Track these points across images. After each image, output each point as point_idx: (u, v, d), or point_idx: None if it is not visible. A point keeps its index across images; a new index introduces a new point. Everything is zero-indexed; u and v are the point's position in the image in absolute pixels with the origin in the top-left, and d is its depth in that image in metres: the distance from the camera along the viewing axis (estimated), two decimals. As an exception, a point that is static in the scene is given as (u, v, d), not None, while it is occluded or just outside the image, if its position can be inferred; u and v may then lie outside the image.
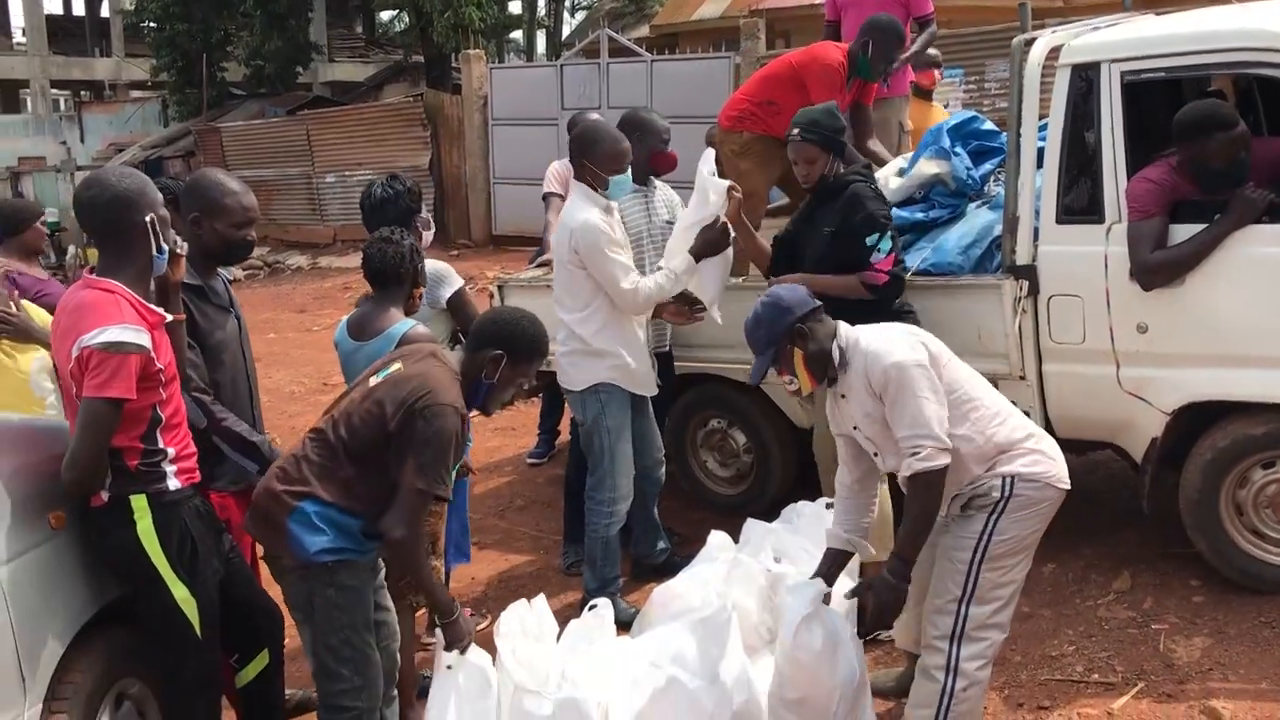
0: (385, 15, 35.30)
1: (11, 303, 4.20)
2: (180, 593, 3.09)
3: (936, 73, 6.95)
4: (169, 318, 3.12)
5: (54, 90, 32.38)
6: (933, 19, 5.98)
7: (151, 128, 25.83)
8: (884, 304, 4.11)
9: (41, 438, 3.13)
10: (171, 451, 3.10)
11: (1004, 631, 3.17)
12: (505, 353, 3.19)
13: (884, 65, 5.15)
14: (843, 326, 3.26)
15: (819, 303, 3.29)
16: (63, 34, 32.41)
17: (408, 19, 27.54)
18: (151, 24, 24.17)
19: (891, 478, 3.96)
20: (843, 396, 3.24)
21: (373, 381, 3.18)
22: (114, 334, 2.89)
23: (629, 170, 4.40)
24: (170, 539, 3.06)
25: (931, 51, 6.79)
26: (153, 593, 3.08)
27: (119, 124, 26.92)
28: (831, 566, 3.44)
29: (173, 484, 3.09)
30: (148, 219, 3.01)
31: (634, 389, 4.54)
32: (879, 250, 4.11)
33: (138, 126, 26.29)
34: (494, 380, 3.20)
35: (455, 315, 4.29)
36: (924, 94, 6.90)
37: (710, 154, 4.57)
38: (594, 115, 6.02)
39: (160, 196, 3.11)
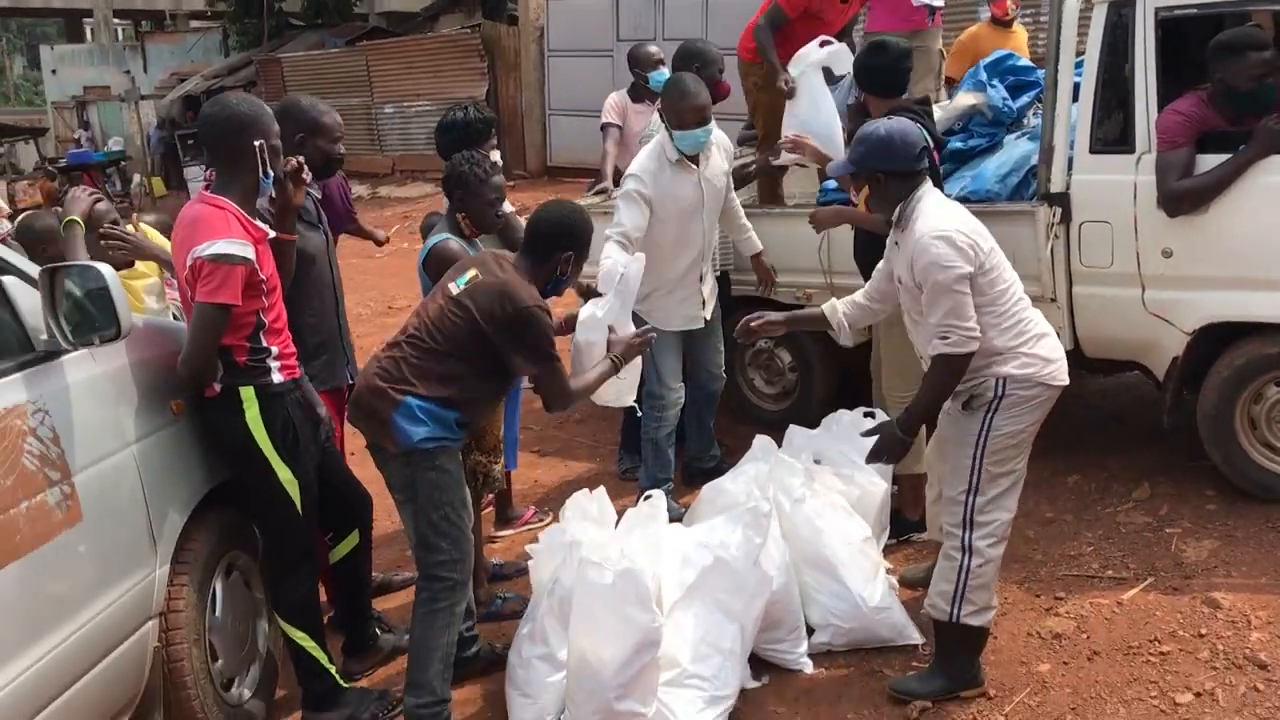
0: (440, -55, 35.29)
1: (129, 225, 4.61)
2: (284, 474, 3.48)
3: (1010, 2, 7.06)
4: (272, 234, 3.48)
5: (115, 20, 32.85)
6: None
7: (212, 57, 26.26)
8: None
9: (162, 336, 3.51)
10: (275, 350, 3.47)
11: (1010, 512, 3.44)
12: (574, 252, 3.59)
13: None
14: (920, 193, 3.41)
15: (923, 167, 3.43)
16: (124, -37, 32.82)
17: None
18: (212, -47, 24.54)
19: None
20: (896, 244, 3.49)
21: (454, 290, 3.51)
22: (222, 247, 3.26)
23: (699, 130, 4.54)
24: (275, 426, 3.45)
25: None
26: (260, 474, 3.47)
27: (181, 54, 27.38)
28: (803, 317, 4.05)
29: (276, 378, 3.47)
30: (256, 144, 3.36)
31: (659, 322, 4.67)
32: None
33: (199, 56, 26.74)
34: (566, 275, 3.62)
35: (500, 235, 4.58)
36: (1002, 23, 7.04)
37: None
38: (652, 47, 6.28)
39: (276, 127, 3.45)
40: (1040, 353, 3.39)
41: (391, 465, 3.53)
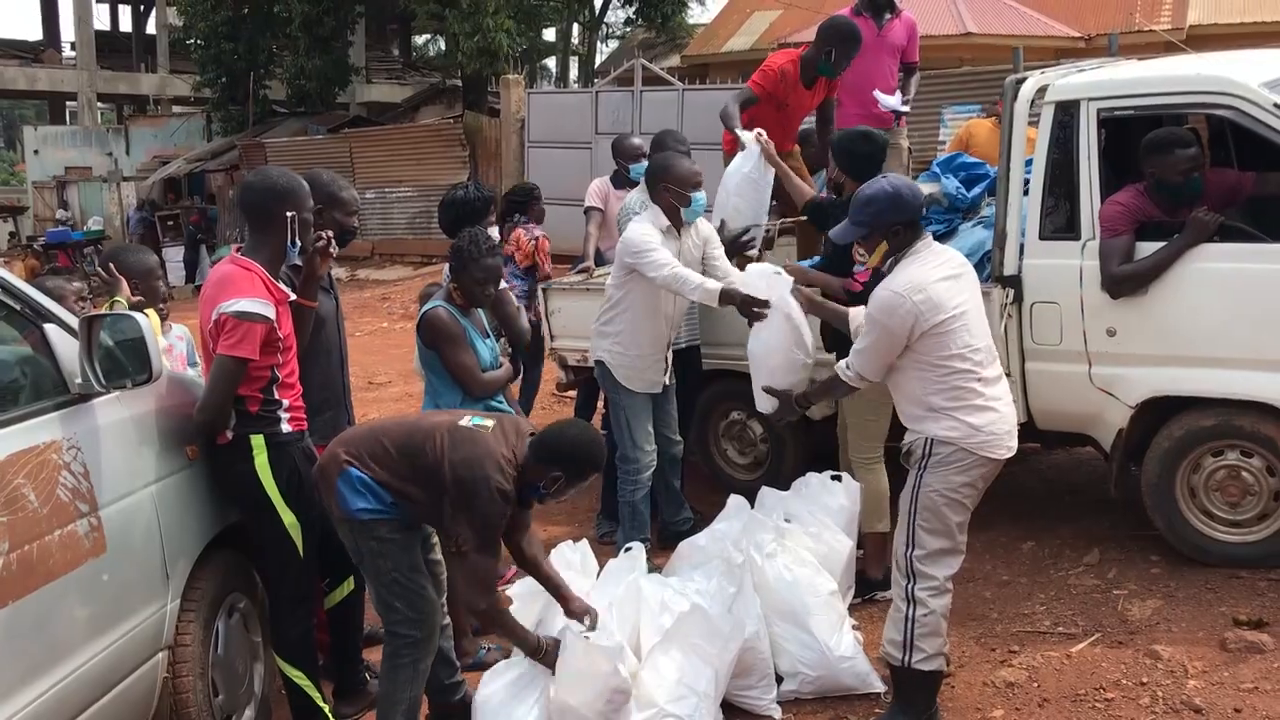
0: (420, 39, 36.27)
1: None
2: (289, 518, 3.71)
3: None
4: (293, 296, 3.76)
5: (99, 104, 33.34)
6: (917, 65, 6.63)
7: (195, 142, 26.72)
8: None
9: (180, 387, 3.76)
10: (285, 403, 3.73)
11: (949, 569, 3.69)
12: (564, 475, 3.53)
13: (845, 63, 5.71)
14: (914, 248, 3.67)
15: (920, 214, 3.72)
16: (109, 49, 33.43)
17: (444, 44, 28.46)
18: (199, 42, 25.07)
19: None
20: None
21: (462, 421, 3.62)
22: (245, 305, 3.54)
23: (702, 192, 4.95)
24: (282, 473, 3.69)
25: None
26: (266, 517, 3.70)
27: (164, 137, 27.84)
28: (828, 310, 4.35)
29: (285, 428, 3.73)
30: (289, 215, 3.65)
31: (623, 380, 5.07)
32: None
33: (182, 140, 27.19)
34: (548, 491, 3.57)
35: (493, 310, 4.81)
36: None
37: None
38: (636, 140, 6.70)
39: (310, 203, 3.75)
40: (972, 420, 3.60)
41: (341, 529, 3.64)
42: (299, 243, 3.69)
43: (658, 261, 4.77)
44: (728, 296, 4.65)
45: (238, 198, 3.76)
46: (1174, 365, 4.59)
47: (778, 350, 4.50)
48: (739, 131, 5.28)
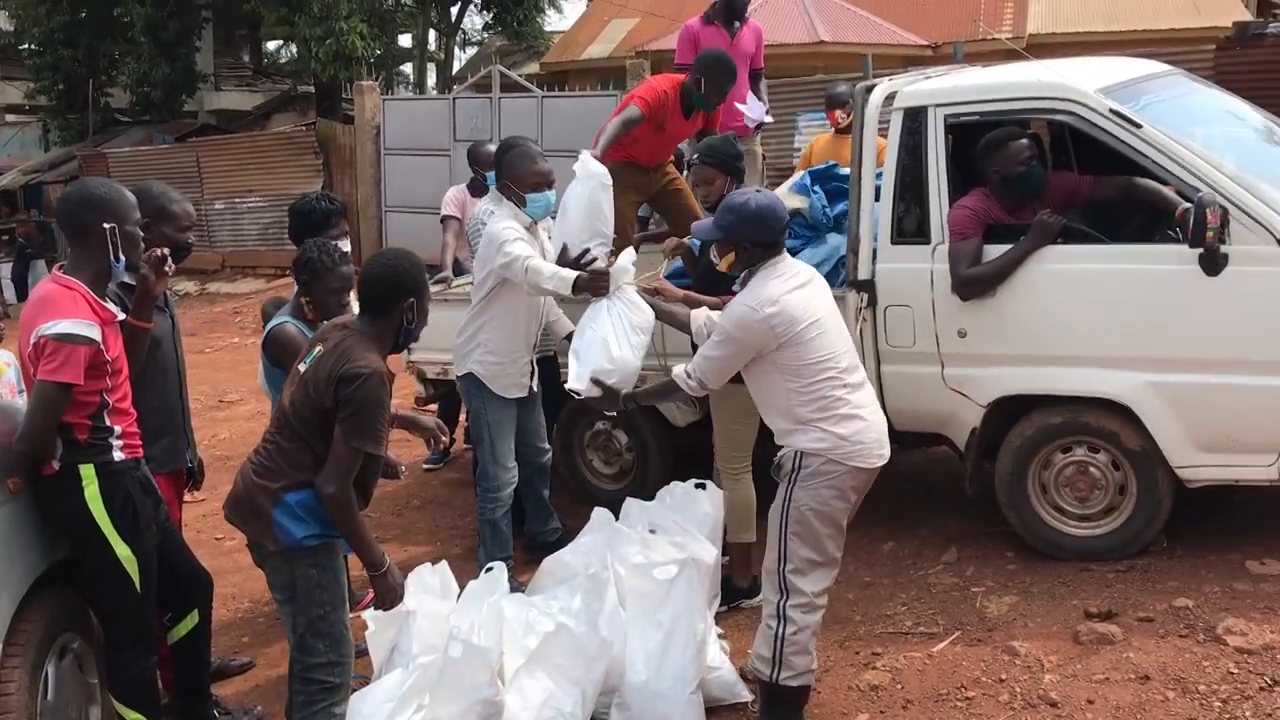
0: (271, 45, 35.30)
1: None
2: (123, 551, 3.50)
3: (839, 112, 7.11)
4: (120, 316, 3.54)
5: (-79, 112, 31.54)
6: (763, 71, 6.73)
7: (31, 151, 25.45)
8: None
9: (1, 416, 3.51)
10: (118, 429, 3.52)
11: (822, 584, 3.69)
12: (414, 298, 3.45)
13: (717, 98, 5.60)
14: (770, 263, 3.72)
15: (782, 238, 3.78)
16: (-67, 55, 31.61)
17: (295, 49, 27.70)
18: (33, 47, 23.87)
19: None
20: None
21: (302, 369, 3.47)
22: (66, 326, 3.31)
23: (549, 192, 4.86)
24: (114, 503, 3.48)
25: (843, 89, 7.33)
26: (98, 551, 3.49)
27: (-4, 147, 26.47)
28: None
29: (118, 456, 3.51)
30: (107, 226, 3.42)
31: (494, 388, 4.97)
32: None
33: (16, 150, 25.88)
34: (415, 325, 3.49)
35: None
36: (845, 131, 7.26)
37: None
38: (491, 146, 6.55)
39: (135, 215, 3.52)
40: (839, 431, 3.60)
41: (272, 563, 3.45)
42: (123, 258, 3.47)
43: (515, 254, 4.69)
44: (580, 285, 4.61)
45: (57, 210, 3.52)
46: (1023, 365, 4.69)
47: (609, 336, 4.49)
48: (585, 154, 5.01)
